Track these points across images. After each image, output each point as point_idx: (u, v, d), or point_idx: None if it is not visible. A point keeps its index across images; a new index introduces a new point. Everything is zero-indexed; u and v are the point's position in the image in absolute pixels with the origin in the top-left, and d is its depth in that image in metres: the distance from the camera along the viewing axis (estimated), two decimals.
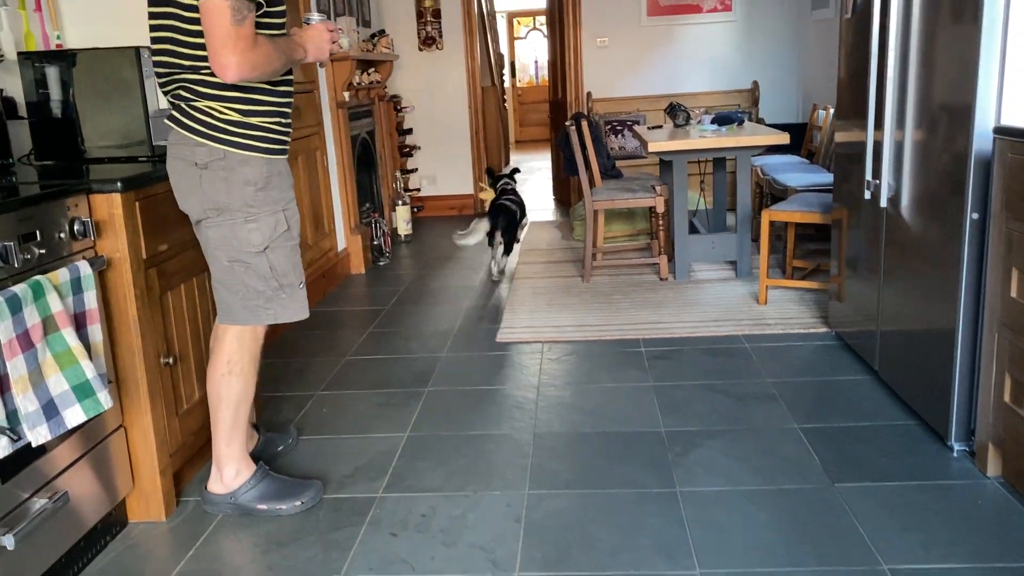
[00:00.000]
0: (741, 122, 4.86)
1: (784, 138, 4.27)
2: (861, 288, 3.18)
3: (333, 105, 4.98)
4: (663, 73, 6.89)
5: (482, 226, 4.83)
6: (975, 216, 2.33)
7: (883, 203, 2.85)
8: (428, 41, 6.93)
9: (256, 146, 2.12)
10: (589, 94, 6.88)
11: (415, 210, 6.88)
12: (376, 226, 5.45)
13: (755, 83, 6.72)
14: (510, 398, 3.10)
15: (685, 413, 2.89)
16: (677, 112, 5.03)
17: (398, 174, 6.21)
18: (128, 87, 2.59)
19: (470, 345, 3.74)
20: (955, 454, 2.50)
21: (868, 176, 2.94)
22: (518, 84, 13.84)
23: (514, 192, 5.19)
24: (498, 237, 4.79)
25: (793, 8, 6.65)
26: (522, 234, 5.38)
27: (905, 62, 2.71)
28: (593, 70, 6.92)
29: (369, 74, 5.67)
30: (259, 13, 2.02)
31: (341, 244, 5.09)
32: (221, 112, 2.08)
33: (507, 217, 4.84)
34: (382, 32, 5.95)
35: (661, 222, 4.57)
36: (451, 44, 6.94)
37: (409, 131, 6.85)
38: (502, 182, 5.29)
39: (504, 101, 11.30)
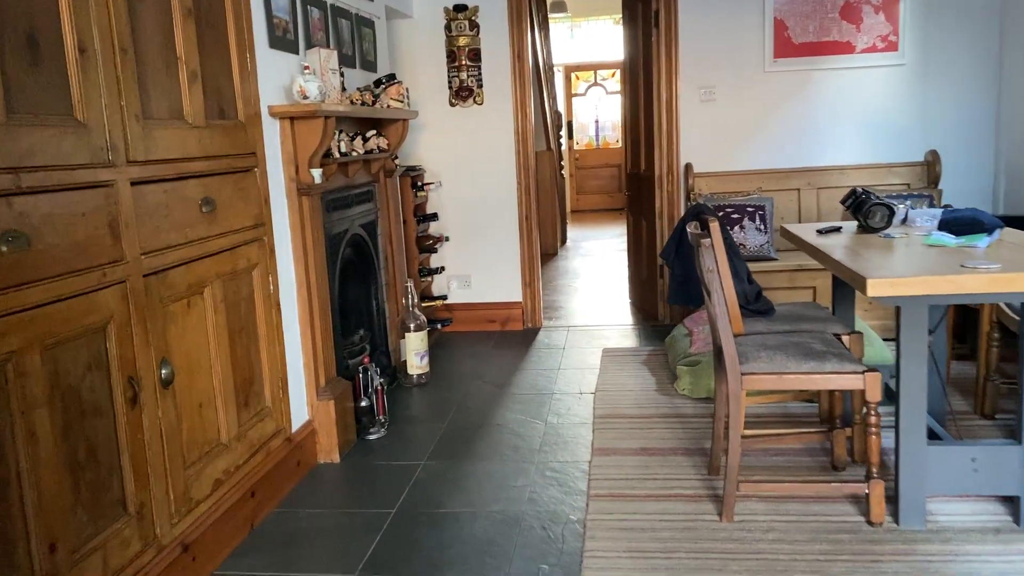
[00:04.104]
0: (995, 229, 2.76)
1: None
2: None
3: (292, 191, 3.01)
4: (795, 138, 4.83)
5: None
6: None
7: None
8: (463, 92, 4.99)
9: None
10: (688, 167, 4.85)
11: (439, 326, 4.87)
12: (366, 377, 3.43)
13: (933, 154, 4.62)
14: None
15: None
16: (871, 207, 2.94)
17: (408, 284, 4.20)
18: None
19: None
20: None
21: None
22: (575, 147, 11.92)
23: None
24: None
25: (993, 46, 4.57)
26: None
27: None
28: (693, 133, 4.90)
29: (367, 139, 3.73)
30: None
31: (300, 418, 3.07)
32: None
33: None
34: (392, 78, 4.03)
35: (872, 418, 2.45)
36: (495, 96, 4.98)
37: (433, 216, 4.88)
38: None
39: (561, 168, 9.34)
